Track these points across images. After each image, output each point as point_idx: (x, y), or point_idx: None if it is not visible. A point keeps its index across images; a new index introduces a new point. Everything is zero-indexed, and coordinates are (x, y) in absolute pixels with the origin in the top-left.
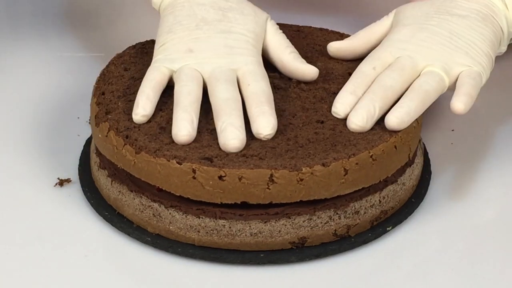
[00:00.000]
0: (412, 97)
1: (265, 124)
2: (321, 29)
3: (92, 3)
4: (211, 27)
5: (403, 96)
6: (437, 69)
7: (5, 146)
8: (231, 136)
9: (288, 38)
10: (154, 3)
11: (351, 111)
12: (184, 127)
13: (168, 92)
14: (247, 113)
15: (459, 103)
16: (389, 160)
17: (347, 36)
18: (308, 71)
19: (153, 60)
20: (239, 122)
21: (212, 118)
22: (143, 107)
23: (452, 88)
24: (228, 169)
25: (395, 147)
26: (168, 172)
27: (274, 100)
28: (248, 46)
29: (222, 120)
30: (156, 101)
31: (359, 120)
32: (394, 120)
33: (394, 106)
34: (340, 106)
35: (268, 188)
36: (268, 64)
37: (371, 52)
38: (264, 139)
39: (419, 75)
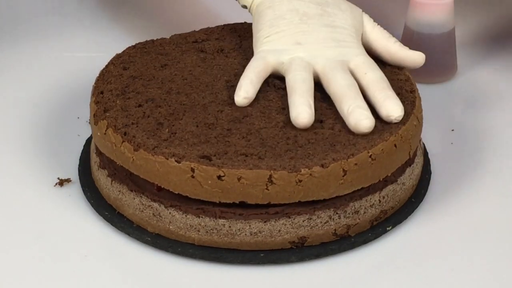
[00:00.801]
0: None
1: (395, 107)
2: None
3: (92, 3)
4: (315, 21)
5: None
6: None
7: (5, 146)
8: (362, 117)
9: None
10: (245, 1)
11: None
12: (304, 110)
13: (165, 89)
14: (370, 100)
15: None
16: (389, 159)
17: None
18: (417, 56)
19: (257, 51)
20: (365, 104)
21: (210, 113)
22: (246, 90)
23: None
24: (227, 169)
25: (395, 145)
26: (167, 170)
27: (275, 99)
28: (352, 39)
29: (348, 103)
30: (258, 87)
31: (397, 110)
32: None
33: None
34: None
35: (267, 188)
36: None
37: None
38: (396, 121)
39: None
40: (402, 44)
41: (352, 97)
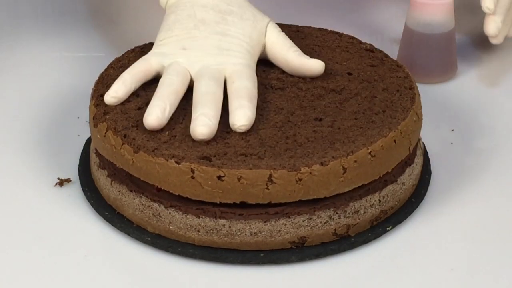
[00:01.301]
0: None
1: (240, 116)
2: (320, 29)
3: (93, 3)
4: (208, 28)
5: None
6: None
7: (5, 146)
8: (200, 123)
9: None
10: (161, 2)
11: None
12: (154, 112)
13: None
14: (229, 109)
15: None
16: (388, 155)
17: (347, 36)
18: (314, 65)
19: (149, 53)
20: (212, 112)
21: None
22: (116, 90)
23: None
24: (227, 169)
25: (395, 141)
26: (167, 172)
27: (272, 100)
28: (240, 49)
29: (197, 110)
30: (133, 88)
31: (241, 120)
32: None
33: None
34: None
35: (267, 188)
36: (270, 68)
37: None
38: (239, 131)
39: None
40: (301, 53)
41: (203, 105)
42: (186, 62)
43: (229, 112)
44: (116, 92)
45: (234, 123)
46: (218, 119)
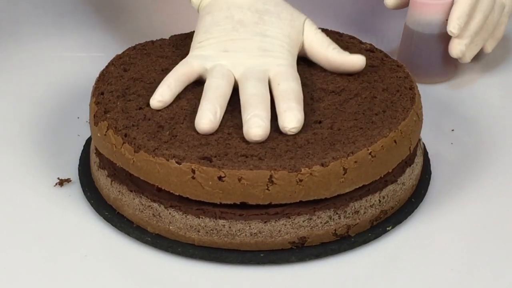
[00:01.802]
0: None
1: (291, 118)
2: (320, 29)
3: (93, 3)
4: (247, 29)
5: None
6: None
7: (5, 146)
8: (254, 125)
9: None
10: (193, 2)
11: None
12: (206, 115)
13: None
14: (276, 110)
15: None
16: (389, 156)
17: (347, 36)
18: (356, 60)
19: (189, 55)
20: (264, 113)
21: None
22: (161, 93)
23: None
24: (227, 170)
25: (395, 141)
26: (167, 172)
27: (273, 102)
28: (282, 50)
29: (247, 112)
30: (178, 91)
31: (292, 122)
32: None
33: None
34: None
35: (267, 189)
36: None
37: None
38: (290, 133)
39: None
40: (341, 50)
41: (254, 106)
42: (229, 64)
43: (278, 114)
44: (162, 96)
45: (284, 126)
46: (269, 119)
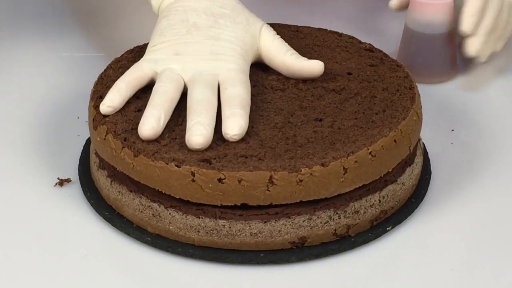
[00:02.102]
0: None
1: (233, 125)
2: (319, 29)
3: (92, 3)
4: (201, 32)
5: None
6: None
7: (5, 146)
8: (196, 133)
9: (287, 38)
10: (153, 6)
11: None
12: (149, 122)
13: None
14: (222, 116)
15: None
16: (389, 155)
17: (346, 36)
18: (314, 65)
19: (142, 59)
20: (208, 120)
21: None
22: (111, 99)
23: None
24: (227, 172)
25: (395, 141)
26: (167, 175)
27: (272, 101)
28: (234, 54)
29: (191, 118)
30: (129, 96)
31: (234, 128)
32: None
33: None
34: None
35: (268, 189)
36: (269, 69)
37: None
38: (231, 140)
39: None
40: (299, 55)
41: (198, 112)
42: (179, 68)
43: (222, 120)
44: (112, 101)
45: (227, 132)
46: (213, 127)
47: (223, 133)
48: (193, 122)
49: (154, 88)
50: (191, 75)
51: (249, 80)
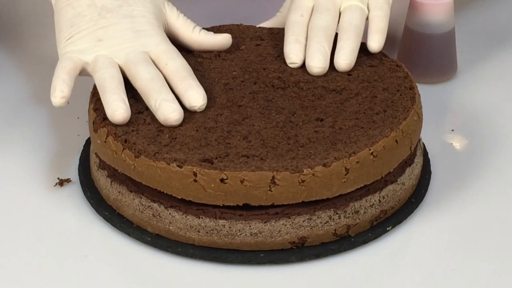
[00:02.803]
0: (348, 36)
1: (196, 96)
2: None
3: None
4: (114, 13)
5: (339, 38)
6: (355, 2)
7: (5, 146)
8: (169, 110)
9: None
10: None
11: (305, 57)
12: (119, 106)
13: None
14: (175, 90)
15: (373, 43)
16: (390, 155)
17: None
18: (223, 38)
19: (61, 53)
20: (170, 96)
21: (209, 117)
22: (61, 89)
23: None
24: (229, 172)
25: (396, 141)
26: (169, 176)
27: (274, 99)
28: (153, 28)
29: (154, 98)
30: (72, 85)
31: (318, 62)
32: (344, 62)
33: (337, 49)
34: (293, 55)
35: (270, 190)
36: (270, 68)
37: (292, 3)
38: (199, 110)
39: (341, 11)
40: (206, 31)
41: (157, 91)
42: (109, 53)
43: (179, 95)
44: (63, 92)
45: (193, 105)
46: (176, 100)
47: (188, 106)
48: (158, 101)
49: (98, 77)
50: (123, 58)
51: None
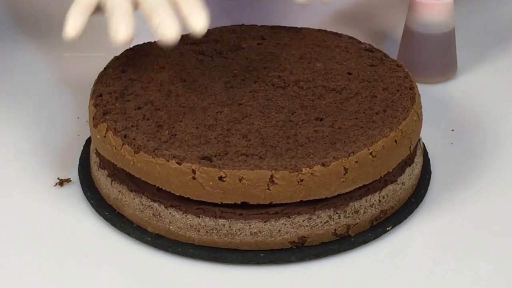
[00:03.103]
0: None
1: (199, 18)
2: (319, 30)
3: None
4: None
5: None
6: None
7: (5, 146)
8: (167, 25)
9: (287, 39)
10: None
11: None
12: (122, 26)
13: (164, 91)
14: (180, 15)
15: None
16: (389, 155)
17: (345, 36)
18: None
19: None
20: (173, 17)
21: (209, 114)
22: (74, 22)
23: None
24: (228, 170)
25: (396, 141)
26: (168, 172)
27: (274, 98)
28: None
29: (156, 18)
30: (85, 21)
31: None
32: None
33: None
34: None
35: (268, 189)
36: (270, 66)
37: None
38: (202, 33)
39: None
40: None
41: (159, 12)
42: None
43: (184, 18)
44: (75, 24)
45: (195, 28)
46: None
47: (192, 29)
48: (159, 20)
49: (109, 5)
50: None
51: None
